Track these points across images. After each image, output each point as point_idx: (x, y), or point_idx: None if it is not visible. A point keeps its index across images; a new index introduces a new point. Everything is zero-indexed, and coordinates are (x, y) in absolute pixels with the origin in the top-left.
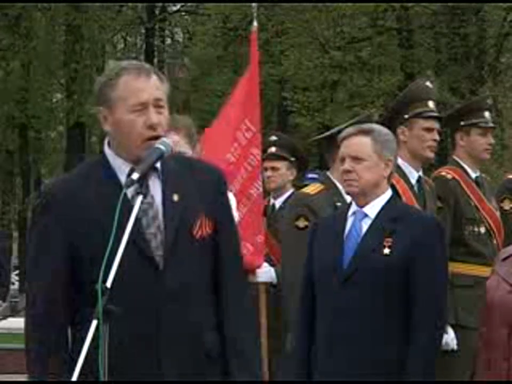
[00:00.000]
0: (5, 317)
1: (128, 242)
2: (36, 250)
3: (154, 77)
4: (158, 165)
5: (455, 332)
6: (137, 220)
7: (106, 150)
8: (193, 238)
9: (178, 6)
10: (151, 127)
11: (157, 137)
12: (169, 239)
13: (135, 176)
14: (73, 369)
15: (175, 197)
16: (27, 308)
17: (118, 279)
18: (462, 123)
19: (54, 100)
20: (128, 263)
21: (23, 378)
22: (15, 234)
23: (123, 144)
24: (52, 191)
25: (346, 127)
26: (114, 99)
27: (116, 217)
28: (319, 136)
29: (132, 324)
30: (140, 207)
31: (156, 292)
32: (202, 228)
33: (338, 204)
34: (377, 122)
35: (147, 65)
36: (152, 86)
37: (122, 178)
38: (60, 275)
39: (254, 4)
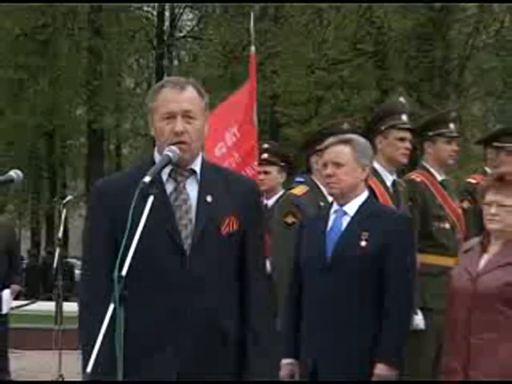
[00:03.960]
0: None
1: (160, 232)
2: (89, 232)
3: (188, 91)
4: (198, 170)
5: (423, 314)
6: (172, 213)
7: (155, 151)
8: (220, 234)
9: (184, 32)
10: (176, 134)
11: (181, 143)
12: (198, 231)
13: (146, 179)
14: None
15: (208, 198)
16: (82, 266)
17: (147, 263)
18: (429, 133)
19: (77, 113)
20: (160, 248)
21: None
22: (43, 230)
23: (160, 147)
24: (100, 187)
25: (319, 131)
26: (153, 108)
27: (130, 215)
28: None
29: (155, 303)
30: (172, 198)
31: (181, 275)
32: (229, 226)
33: (321, 203)
34: (354, 132)
35: (185, 80)
36: (183, 99)
37: (164, 177)
38: (105, 248)
39: (251, 31)
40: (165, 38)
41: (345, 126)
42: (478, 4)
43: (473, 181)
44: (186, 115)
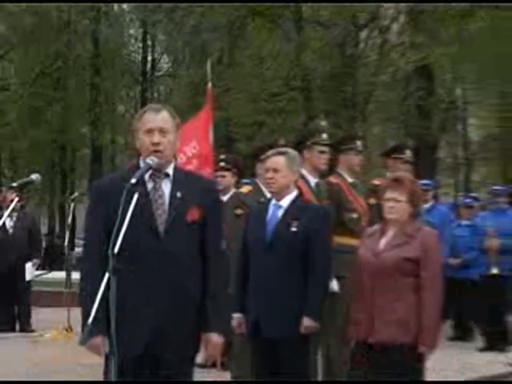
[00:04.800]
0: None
1: (141, 220)
2: (89, 219)
3: (163, 114)
4: (171, 173)
5: (338, 281)
6: (150, 205)
7: (140, 159)
8: (187, 221)
9: (162, 72)
10: (154, 144)
11: (157, 151)
12: (170, 219)
13: (133, 180)
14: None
15: (179, 194)
16: (85, 246)
17: (131, 243)
18: (342, 147)
19: (83, 131)
20: (141, 233)
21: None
22: (57, 218)
23: (142, 155)
24: (98, 186)
25: (263, 146)
26: (138, 126)
27: (120, 205)
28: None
29: (138, 275)
30: (151, 194)
31: (157, 253)
32: (194, 215)
33: (262, 199)
34: (285, 146)
35: (161, 106)
36: (159, 119)
37: (146, 178)
38: (101, 233)
39: (209, 72)
40: (147, 76)
41: (282, 142)
42: (378, 54)
43: (377, 183)
44: (161, 131)
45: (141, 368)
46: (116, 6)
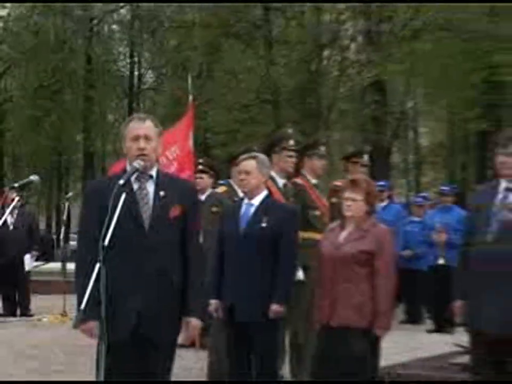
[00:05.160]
0: (47, 262)
1: (128, 216)
2: (83, 215)
3: (147, 122)
4: (154, 175)
5: (303, 270)
6: (137, 203)
7: (127, 163)
8: (168, 217)
9: (147, 85)
10: (139, 149)
11: (142, 155)
12: (154, 215)
13: (121, 182)
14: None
15: (161, 193)
16: (79, 239)
17: (120, 236)
18: (308, 152)
19: (77, 139)
20: (128, 226)
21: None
22: (54, 215)
23: (129, 160)
24: (90, 186)
25: (238, 152)
26: (125, 134)
27: (110, 203)
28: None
29: (126, 263)
30: (137, 194)
31: (142, 246)
32: (175, 212)
33: (236, 198)
34: (256, 150)
35: (145, 115)
36: (144, 127)
37: (132, 179)
38: (93, 227)
39: (190, 85)
40: (134, 89)
41: (255, 148)
42: (338, 70)
43: (338, 184)
44: (146, 138)
45: (129, 349)
46: (106, 27)
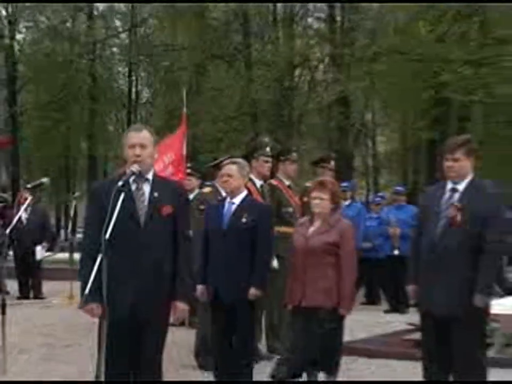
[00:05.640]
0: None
1: (126, 213)
2: (88, 213)
3: (143, 132)
4: (150, 178)
5: (277, 260)
6: (134, 202)
7: (126, 167)
8: (161, 215)
9: (143, 100)
10: (136, 155)
11: (137, 161)
12: (148, 213)
13: (120, 183)
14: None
15: (155, 194)
16: (84, 232)
17: (118, 230)
18: (281, 158)
19: (82, 146)
20: (126, 223)
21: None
22: (62, 213)
23: (128, 164)
24: (94, 187)
25: (221, 160)
26: (125, 142)
27: (110, 202)
28: (211, 164)
29: (123, 254)
30: (134, 194)
31: (138, 240)
32: (167, 210)
33: (219, 197)
34: (238, 157)
35: (142, 126)
36: (140, 136)
37: (131, 181)
38: (97, 219)
39: (184, 99)
40: (132, 103)
41: (238, 154)
42: (308, 87)
43: (308, 185)
44: (142, 146)
45: (127, 326)
46: (107, 49)
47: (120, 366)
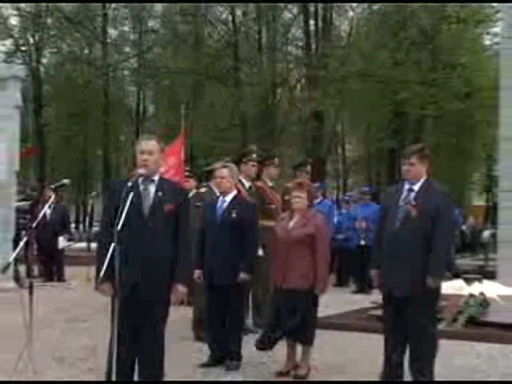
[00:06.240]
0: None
1: (134, 209)
2: (104, 208)
3: (151, 141)
4: (156, 180)
5: (262, 248)
6: (141, 199)
7: (137, 170)
8: (164, 211)
9: (149, 114)
10: (143, 160)
11: (145, 165)
12: (152, 209)
13: (129, 184)
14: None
15: (159, 193)
16: (100, 225)
17: (128, 223)
18: (266, 163)
19: (98, 153)
20: (134, 217)
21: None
22: (81, 209)
23: (137, 168)
24: (110, 185)
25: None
26: (136, 150)
27: (121, 200)
28: (206, 169)
29: (131, 245)
30: (142, 193)
31: (144, 231)
32: (169, 207)
33: (214, 196)
34: (229, 161)
35: (150, 136)
36: (148, 144)
37: (139, 182)
38: (111, 214)
39: (182, 114)
40: (140, 117)
41: (229, 159)
42: (288, 103)
43: (288, 185)
44: (149, 152)
45: (134, 303)
46: (119, 72)
47: (128, 334)
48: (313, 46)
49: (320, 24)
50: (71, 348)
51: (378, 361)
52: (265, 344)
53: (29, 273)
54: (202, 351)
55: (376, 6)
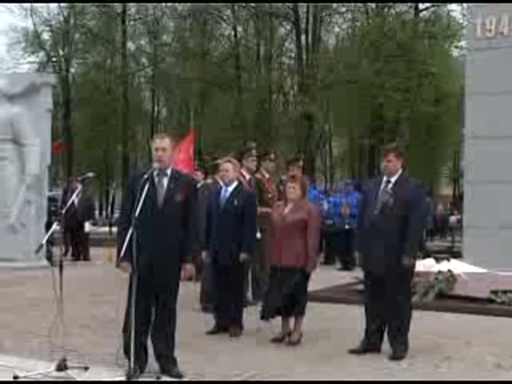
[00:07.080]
0: (99, 227)
1: (149, 198)
2: (123, 196)
3: (165, 139)
4: (169, 173)
5: (260, 231)
6: (155, 190)
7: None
8: (176, 200)
9: (163, 117)
10: (158, 156)
11: (160, 160)
12: (166, 198)
13: (145, 176)
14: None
15: (172, 185)
16: (120, 212)
17: (144, 211)
18: (264, 158)
19: (118, 151)
20: (149, 205)
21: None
22: (104, 199)
23: (153, 162)
24: (133, 174)
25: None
26: (152, 147)
27: (139, 190)
28: (212, 163)
29: (147, 229)
30: (156, 184)
31: (158, 217)
32: (180, 197)
33: (218, 186)
34: (232, 157)
35: (164, 134)
36: (162, 142)
37: (154, 174)
38: (130, 203)
39: (192, 117)
40: (155, 119)
41: (232, 155)
42: (282, 107)
43: (283, 177)
44: (163, 149)
45: (146, 282)
46: (136, 79)
47: (143, 305)
48: (304, 57)
49: (310, 38)
50: (94, 316)
51: (359, 329)
52: (267, 314)
53: (66, 253)
54: (208, 320)
55: (358, 23)
